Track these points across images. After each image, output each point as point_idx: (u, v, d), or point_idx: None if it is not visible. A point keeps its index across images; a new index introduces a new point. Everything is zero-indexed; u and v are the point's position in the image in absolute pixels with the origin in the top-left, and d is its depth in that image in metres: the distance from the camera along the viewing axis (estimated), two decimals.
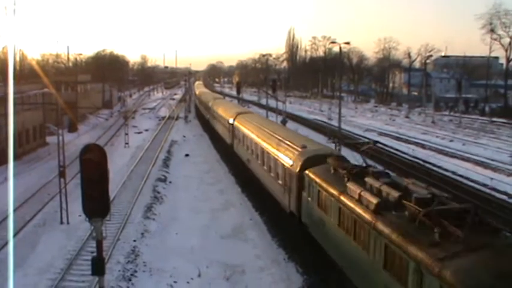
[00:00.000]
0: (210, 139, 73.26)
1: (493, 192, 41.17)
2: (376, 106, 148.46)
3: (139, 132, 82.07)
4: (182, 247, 28.97)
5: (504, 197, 39.92)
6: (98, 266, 14.11)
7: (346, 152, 49.87)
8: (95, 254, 14.30)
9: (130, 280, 24.10)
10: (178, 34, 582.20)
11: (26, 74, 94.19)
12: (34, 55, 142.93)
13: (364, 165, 22.30)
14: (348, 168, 21.38)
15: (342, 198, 19.35)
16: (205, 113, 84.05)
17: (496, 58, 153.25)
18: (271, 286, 23.61)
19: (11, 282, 22.80)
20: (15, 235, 30.28)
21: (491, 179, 44.25)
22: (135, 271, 25.20)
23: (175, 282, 24.02)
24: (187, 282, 24.04)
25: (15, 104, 51.46)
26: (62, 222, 32.90)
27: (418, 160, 55.70)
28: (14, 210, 34.18)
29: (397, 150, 63.38)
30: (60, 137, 34.69)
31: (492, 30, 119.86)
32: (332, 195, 20.46)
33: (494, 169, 51.37)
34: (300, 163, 25.86)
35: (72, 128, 77.70)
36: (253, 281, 24.25)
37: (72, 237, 30.13)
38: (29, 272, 25.12)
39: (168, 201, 40.08)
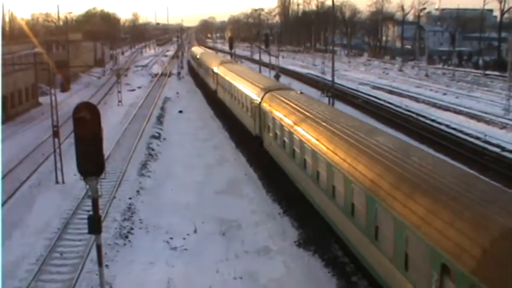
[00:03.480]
0: (203, 96, 72.99)
1: (486, 145, 41.31)
2: (369, 60, 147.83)
3: (132, 90, 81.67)
4: (178, 203, 29.10)
5: (497, 149, 40.07)
6: (95, 225, 14.20)
7: (340, 106, 50.01)
8: (91, 213, 14.38)
9: (127, 237, 24.27)
10: None
11: (16, 34, 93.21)
12: (24, 15, 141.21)
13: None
14: None
15: None
16: (212, 83, 61.79)
17: (490, 11, 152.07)
18: (267, 240, 23.80)
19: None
20: (11, 196, 30.39)
21: (485, 135, 44.25)
22: (132, 228, 25.36)
23: (171, 238, 24.18)
24: (184, 238, 24.20)
25: (3, 65, 51.01)
26: (57, 182, 32.97)
27: (411, 113, 55.71)
28: (5, 174, 34.27)
29: (390, 103, 63.30)
30: (53, 97, 34.54)
31: None
32: None
33: (488, 122, 51.45)
34: None
35: (65, 88, 77.27)
36: (249, 235, 24.42)
37: (68, 196, 30.20)
38: (27, 232, 25.27)
39: (162, 158, 40.16)
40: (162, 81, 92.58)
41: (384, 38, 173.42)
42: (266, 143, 32.66)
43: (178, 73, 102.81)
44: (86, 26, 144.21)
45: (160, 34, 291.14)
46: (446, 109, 59.54)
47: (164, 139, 46.46)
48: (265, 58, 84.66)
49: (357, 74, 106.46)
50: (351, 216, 17.68)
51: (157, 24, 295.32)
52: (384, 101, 65.81)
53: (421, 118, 53.18)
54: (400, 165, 15.80)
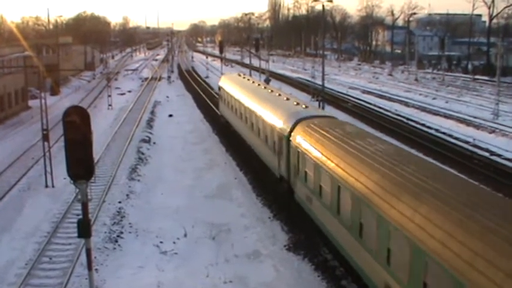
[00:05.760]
0: (193, 99, 72.96)
1: (475, 149, 41.50)
2: (359, 64, 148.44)
3: (122, 94, 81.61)
4: (167, 207, 29.07)
5: (486, 153, 40.27)
6: (84, 229, 14.13)
7: (329, 110, 50.08)
8: (80, 217, 14.35)
9: (116, 241, 24.21)
10: None
11: (6, 37, 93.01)
12: (14, 18, 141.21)
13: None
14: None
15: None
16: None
17: (479, 16, 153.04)
18: (257, 244, 23.83)
19: None
20: (0, 200, 30.26)
21: (474, 139, 44.44)
22: (121, 232, 25.30)
23: (161, 242, 24.15)
24: (174, 242, 24.17)
25: None
26: (47, 186, 32.81)
27: (401, 118, 55.93)
28: None
29: (380, 108, 63.52)
30: (43, 100, 34.45)
31: None
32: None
33: (477, 126, 51.71)
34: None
35: (55, 91, 77.06)
36: (239, 239, 24.42)
37: (58, 200, 30.09)
38: (16, 236, 25.16)
39: (152, 162, 40.06)
40: (152, 85, 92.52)
41: (374, 43, 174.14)
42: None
43: (169, 77, 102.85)
44: (76, 30, 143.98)
45: (151, 38, 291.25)
46: (436, 113, 59.82)
47: (154, 143, 46.39)
48: (255, 62, 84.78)
49: (347, 78, 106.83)
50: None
51: (148, 28, 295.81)
52: (374, 105, 66.02)
53: (410, 122, 53.40)
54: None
